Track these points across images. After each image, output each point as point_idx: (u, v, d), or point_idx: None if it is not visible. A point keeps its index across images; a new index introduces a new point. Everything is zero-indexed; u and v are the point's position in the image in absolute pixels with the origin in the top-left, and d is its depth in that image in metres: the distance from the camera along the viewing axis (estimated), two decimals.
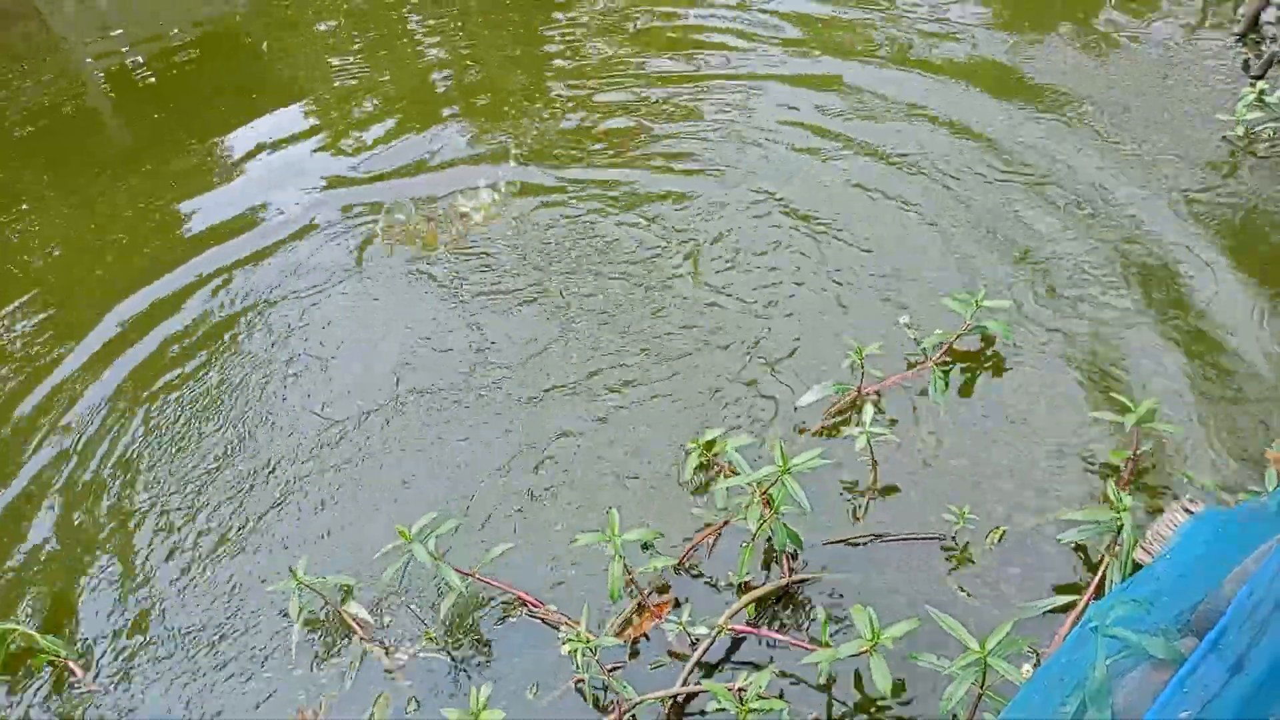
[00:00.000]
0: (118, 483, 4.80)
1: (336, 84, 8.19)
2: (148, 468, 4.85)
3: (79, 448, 5.04)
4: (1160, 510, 3.70)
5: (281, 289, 5.92)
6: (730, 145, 6.56)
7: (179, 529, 4.52)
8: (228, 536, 4.45)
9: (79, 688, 3.93)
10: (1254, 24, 6.92)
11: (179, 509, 4.62)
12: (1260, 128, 5.84)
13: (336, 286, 5.85)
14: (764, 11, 8.29)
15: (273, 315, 5.72)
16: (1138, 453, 3.97)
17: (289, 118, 7.81)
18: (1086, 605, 3.41)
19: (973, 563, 3.81)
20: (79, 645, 4.09)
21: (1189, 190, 5.52)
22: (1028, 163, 5.94)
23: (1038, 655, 3.31)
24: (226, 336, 5.62)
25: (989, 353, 4.73)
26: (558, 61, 7.98)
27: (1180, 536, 3.22)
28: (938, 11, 7.81)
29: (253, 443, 4.89)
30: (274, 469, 4.72)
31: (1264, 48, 6.69)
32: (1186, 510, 3.37)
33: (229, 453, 4.86)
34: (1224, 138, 5.90)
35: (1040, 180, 5.79)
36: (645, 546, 3.92)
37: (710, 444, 3.96)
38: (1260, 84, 5.90)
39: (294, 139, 7.50)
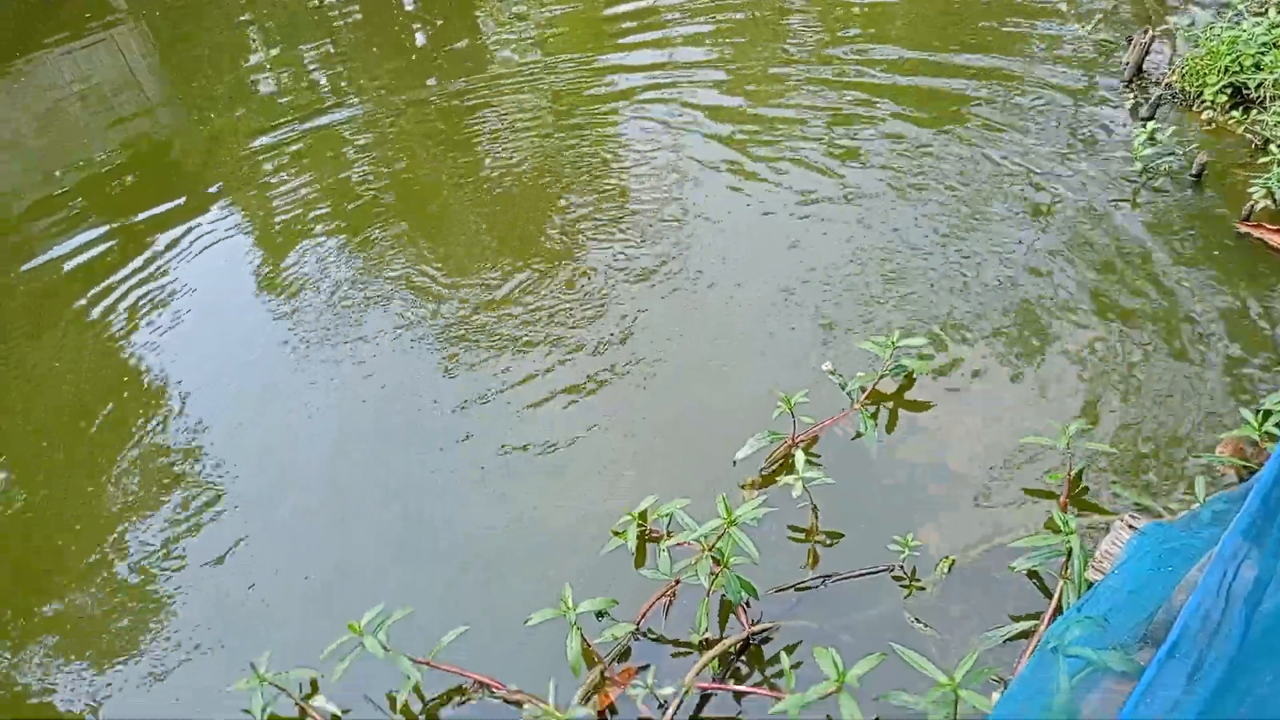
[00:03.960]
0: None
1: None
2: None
3: None
4: (1105, 529, 3.79)
5: None
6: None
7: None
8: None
9: None
10: (1138, 70, 7.39)
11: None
12: (1158, 162, 6.19)
13: None
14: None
15: None
16: (1072, 473, 4.08)
17: None
18: (1045, 629, 3.44)
19: (925, 593, 3.84)
20: None
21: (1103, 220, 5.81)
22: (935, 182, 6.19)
23: (1004, 682, 3.32)
24: None
25: (913, 389, 4.86)
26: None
27: (1128, 553, 3.28)
28: (850, 95, 8.14)
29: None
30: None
31: (1150, 91, 7.13)
32: (1130, 527, 3.45)
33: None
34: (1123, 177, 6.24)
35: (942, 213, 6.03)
36: (600, 615, 3.86)
37: (643, 514, 3.95)
38: (1151, 124, 6.27)
39: None
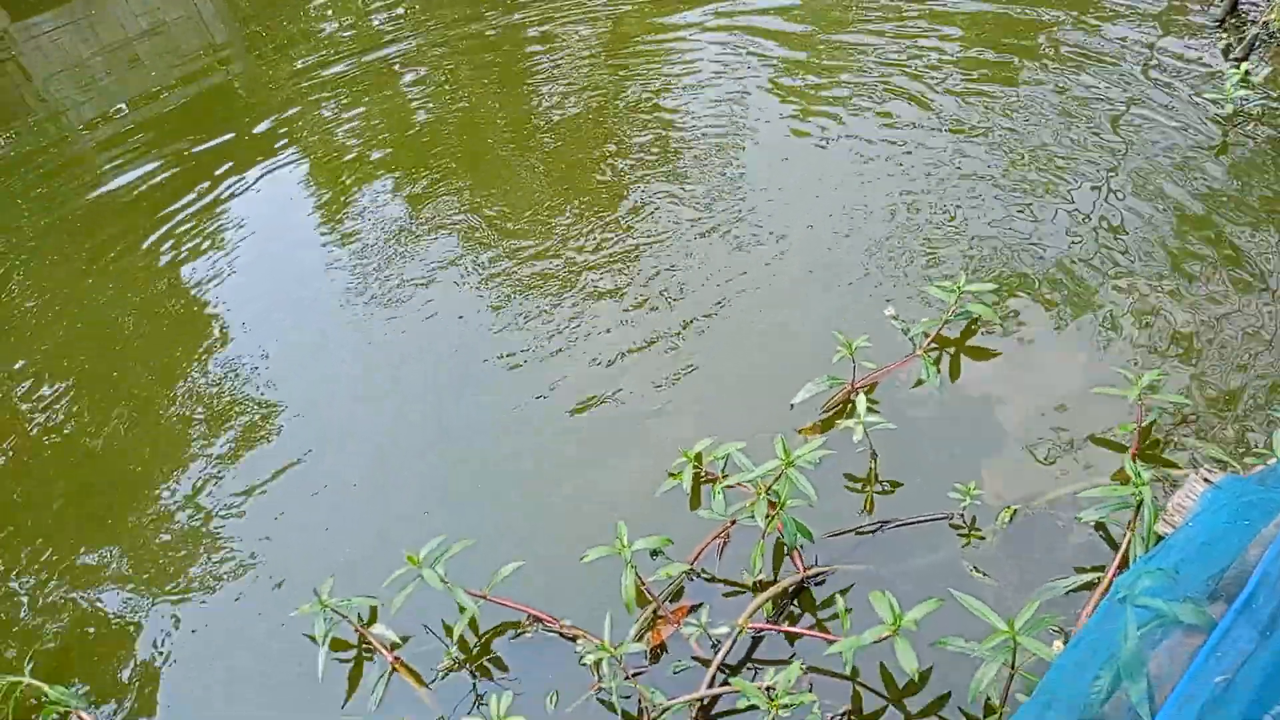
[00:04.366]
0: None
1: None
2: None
3: None
4: (1172, 483, 3.67)
5: None
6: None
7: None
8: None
9: None
10: (1233, 8, 6.98)
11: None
12: (1249, 105, 5.86)
13: None
14: None
15: None
16: (1143, 425, 3.94)
17: None
18: (1111, 580, 3.35)
19: (985, 543, 3.76)
20: (85, 695, 4.02)
21: (1183, 166, 5.54)
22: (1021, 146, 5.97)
23: (1065, 632, 3.25)
24: None
25: (977, 336, 4.73)
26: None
27: (1202, 506, 3.16)
28: (916, 51, 7.85)
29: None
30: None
31: (1245, 31, 6.74)
32: (1206, 480, 3.32)
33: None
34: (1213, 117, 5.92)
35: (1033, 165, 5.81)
36: (655, 554, 3.86)
37: (699, 455, 3.92)
38: (1244, 65, 5.94)
39: None
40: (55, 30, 10.91)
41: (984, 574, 3.65)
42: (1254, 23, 6.79)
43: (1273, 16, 6.67)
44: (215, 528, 4.63)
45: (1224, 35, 6.83)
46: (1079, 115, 6.18)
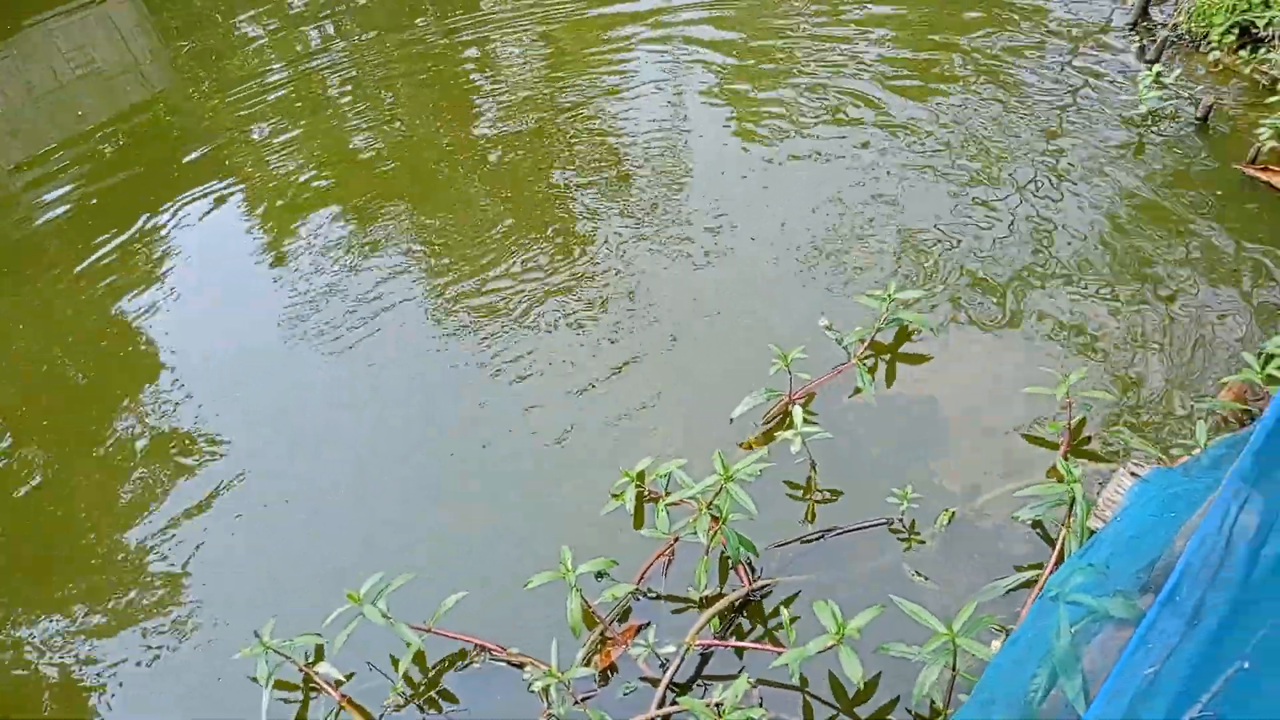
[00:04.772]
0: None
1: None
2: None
3: None
4: (1103, 479, 3.75)
5: None
6: None
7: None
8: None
9: None
10: (1144, 12, 7.22)
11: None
12: (1162, 105, 6.06)
13: None
14: None
15: None
16: (1073, 422, 4.03)
17: None
18: (1048, 578, 3.41)
19: (925, 546, 3.81)
20: None
21: (1101, 167, 5.70)
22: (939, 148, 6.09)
23: (1005, 631, 3.30)
24: None
25: (910, 341, 4.81)
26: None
27: (1130, 499, 3.24)
28: (847, 55, 7.99)
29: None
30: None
31: (1156, 34, 6.97)
32: (1133, 474, 3.41)
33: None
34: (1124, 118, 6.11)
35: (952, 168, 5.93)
36: (600, 575, 3.85)
37: (641, 474, 3.92)
38: (1156, 67, 6.14)
39: None
40: None
41: (925, 577, 3.70)
42: (1164, 25, 7.03)
43: (1180, 19, 6.91)
44: (159, 566, 4.49)
45: (1137, 38, 7.06)
46: (1005, 120, 6.32)
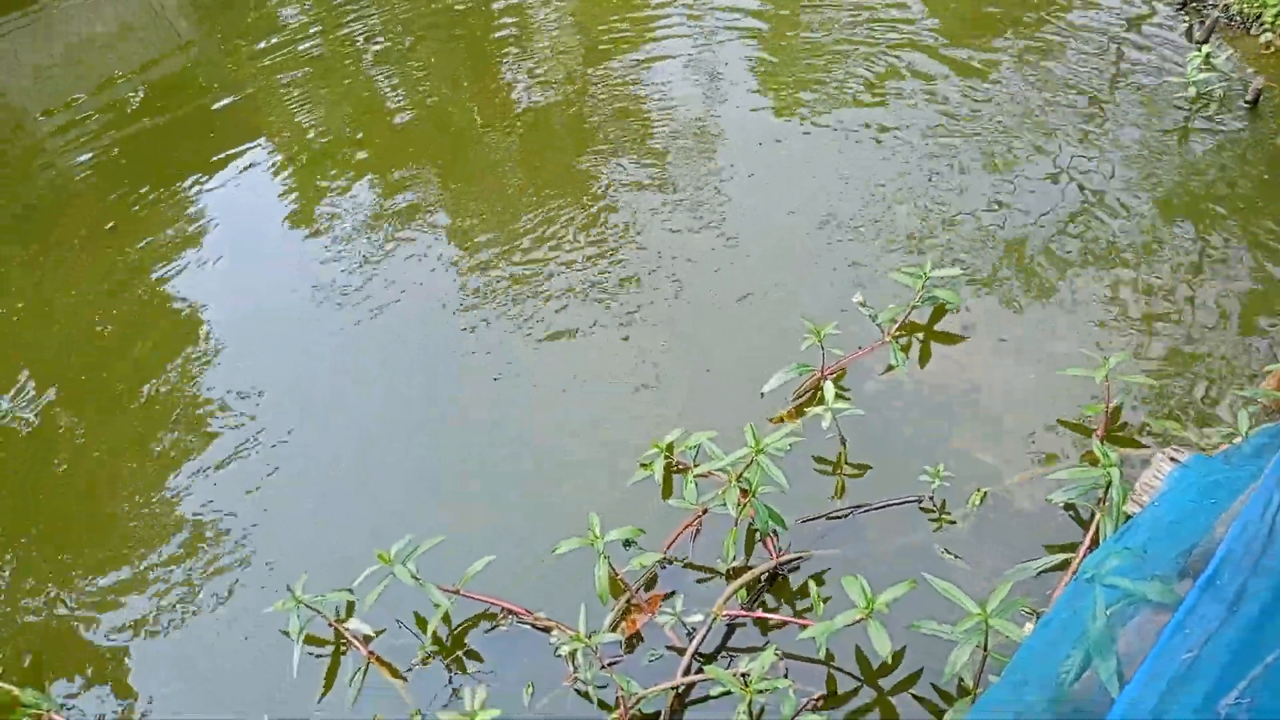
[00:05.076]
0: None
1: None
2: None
3: None
4: (1139, 464, 3.71)
5: None
6: None
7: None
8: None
9: None
10: None
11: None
12: (1211, 88, 5.93)
13: None
14: None
15: None
16: (1111, 407, 3.98)
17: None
18: (1081, 561, 3.38)
19: (956, 526, 3.79)
20: (59, 696, 3.95)
21: (1148, 151, 5.59)
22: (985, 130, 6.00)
23: (1036, 614, 3.28)
24: None
25: (945, 320, 4.76)
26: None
27: (1169, 485, 3.20)
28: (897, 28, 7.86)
29: None
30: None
31: (1205, 14, 6.80)
32: (1173, 460, 3.36)
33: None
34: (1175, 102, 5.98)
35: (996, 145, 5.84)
36: (628, 544, 3.85)
37: (670, 446, 3.91)
38: (1205, 48, 6.00)
39: None
40: (13, 32, 10.68)
41: (956, 556, 3.68)
42: (1213, 6, 6.86)
43: (1231, 0, 6.74)
44: (195, 519, 4.55)
45: (1186, 19, 6.89)
46: (1049, 97, 6.21)
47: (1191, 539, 2.93)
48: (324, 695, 3.72)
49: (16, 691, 3.83)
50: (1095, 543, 3.46)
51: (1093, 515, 3.59)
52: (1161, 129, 5.76)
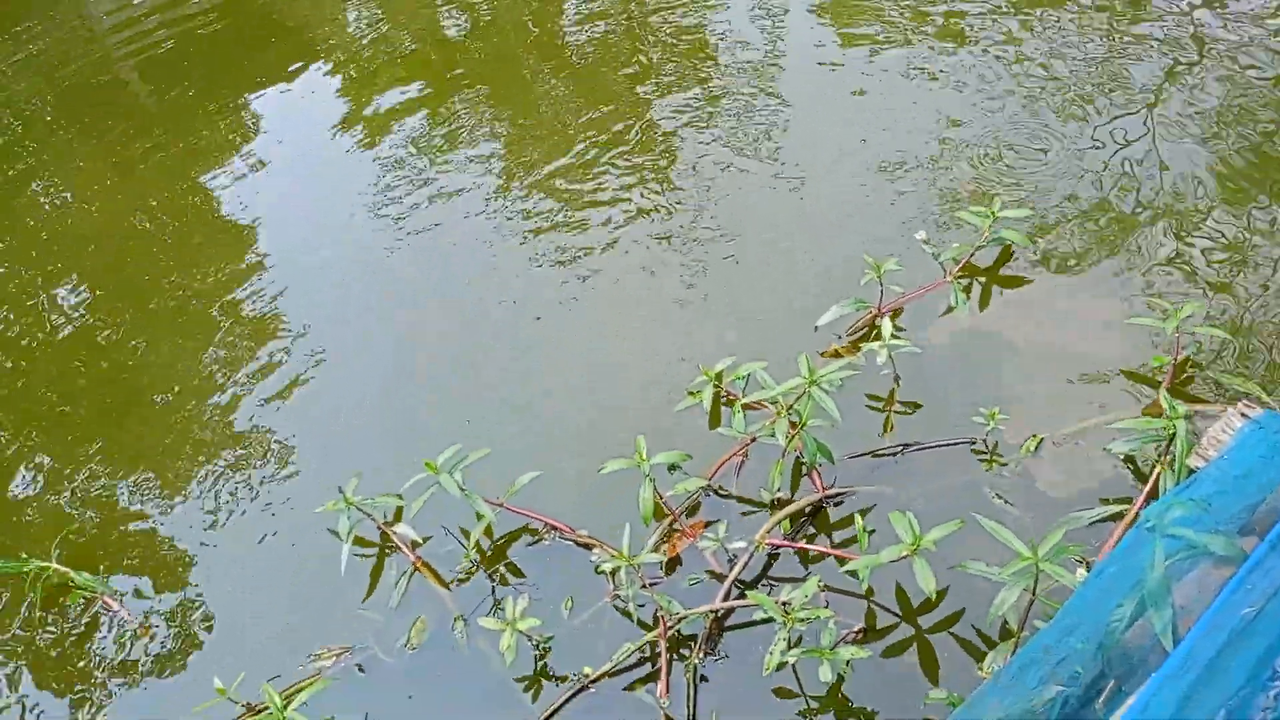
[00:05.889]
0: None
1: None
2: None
3: None
4: (1202, 419, 3.60)
5: None
6: None
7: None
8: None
9: (117, 622, 3.93)
10: None
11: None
12: None
13: None
14: None
15: None
16: (1178, 359, 3.85)
17: None
18: (1138, 512, 3.31)
19: (1008, 469, 3.72)
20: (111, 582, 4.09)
21: (1235, 97, 5.32)
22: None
23: (1086, 563, 3.23)
24: None
25: (1010, 264, 4.62)
26: None
27: (1239, 439, 3.10)
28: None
29: None
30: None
31: None
32: (1244, 415, 3.25)
33: None
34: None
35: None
36: (673, 468, 3.84)
37: (719, 374, 3.87)
38: None
39: None
40: None
41: (1006, 501, 3.62)
42: None
43: None
44: (244, 423, 4.64)
45: None
46: (1130, 46, 5.91)
47: (1258, 495, 2.85)
48: (367, 597, 3.80)
49: (72, 574, 3.97)
50: (1153, 495, 3.38)
51: (1152, 468, 3.50)
52: (1248, 76, 5.46)
